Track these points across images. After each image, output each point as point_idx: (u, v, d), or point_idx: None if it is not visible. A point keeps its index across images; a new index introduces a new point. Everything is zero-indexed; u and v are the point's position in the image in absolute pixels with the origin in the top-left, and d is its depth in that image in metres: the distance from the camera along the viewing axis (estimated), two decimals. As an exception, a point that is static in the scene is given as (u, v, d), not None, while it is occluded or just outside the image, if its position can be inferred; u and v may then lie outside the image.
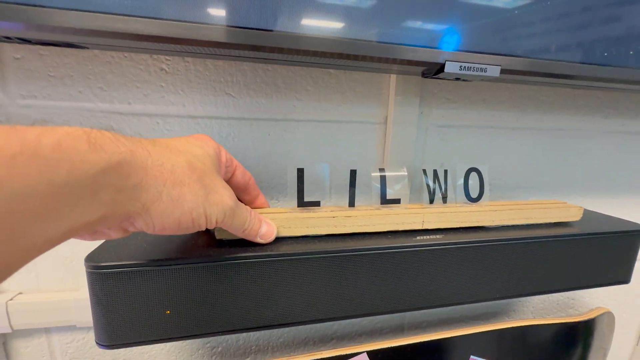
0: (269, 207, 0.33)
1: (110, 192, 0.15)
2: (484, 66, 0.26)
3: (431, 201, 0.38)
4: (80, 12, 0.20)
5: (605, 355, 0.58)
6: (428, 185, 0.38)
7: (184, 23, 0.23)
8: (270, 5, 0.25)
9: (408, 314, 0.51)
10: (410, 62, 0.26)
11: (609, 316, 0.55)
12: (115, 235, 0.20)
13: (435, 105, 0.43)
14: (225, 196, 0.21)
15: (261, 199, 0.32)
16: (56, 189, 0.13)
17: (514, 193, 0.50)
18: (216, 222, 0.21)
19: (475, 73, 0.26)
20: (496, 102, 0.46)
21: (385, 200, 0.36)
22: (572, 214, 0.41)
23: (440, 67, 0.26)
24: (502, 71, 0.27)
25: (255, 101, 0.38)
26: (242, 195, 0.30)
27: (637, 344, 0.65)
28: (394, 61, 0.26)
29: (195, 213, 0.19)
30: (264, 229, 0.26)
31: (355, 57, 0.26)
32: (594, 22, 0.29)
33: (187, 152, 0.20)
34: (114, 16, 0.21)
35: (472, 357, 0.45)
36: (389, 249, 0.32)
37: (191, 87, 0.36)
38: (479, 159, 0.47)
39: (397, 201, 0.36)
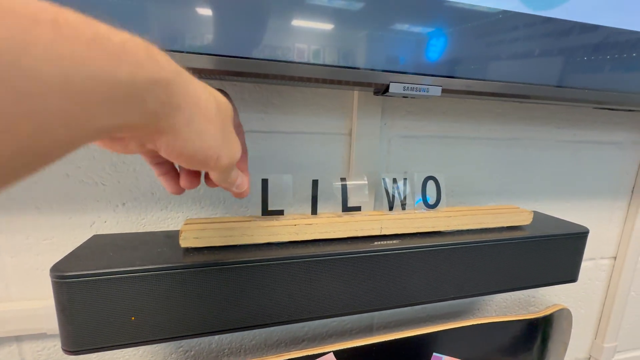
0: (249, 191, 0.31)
1: (156, 103, 0.17)
2: (425, 86, 0.29)
3: (390, 208, 0.40)
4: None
5: (565, 348, 0.61)
6: (387, 193, 0.40)
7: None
8: (236, 37, 0.27)
9: (377, 315, 0.53)
10: (360, 84, 0.28)
11: (566, 312, 0.58)
12: (133, 148, 0.21)
13: (397, 117, 0.46)
14: (237, 147, 0.23)
15: (247, 175, 0.30)
16: (118, 84, 0.14)
17: (473, 199, 0.53)
18: (220, 167, 0.22)
19: (418, 93, 0.29)
20: (455, 114, 0.49)
21: (346, 208, 0.38)
22: (522, 218, 0.44)
23: (386, 88, 0.28)
24: (444, 91, 0.30)
25: (224, 114, 0.39)
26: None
27: (595, 338, 0.69)
28: (345, 83, 0.28)
29: (210, 151, 0.21)
30: (239, 181, 0.27)
31: (309, 80, 0.28)
32: (525, 46, 0.33)
33: (216, 95, 0.21)
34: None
35: (434, 354, 0.48)
36: (347, 254, 0.34)
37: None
38: (440, 167, 0.50)
39: (357, 208, 0.39)
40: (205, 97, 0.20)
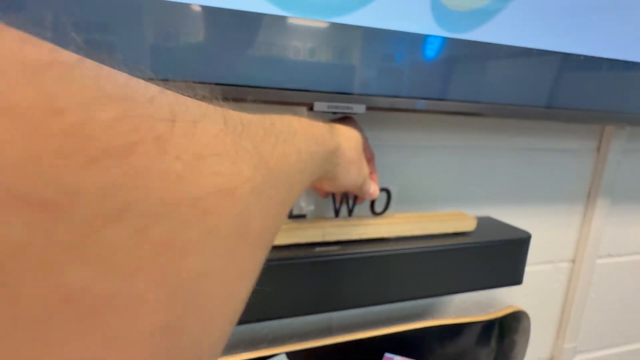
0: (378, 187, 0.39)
1: (328, 165, 0.24)
2: (349, 105, 0.31)
3: (337, 215, 0.42)
4: None
5: (525, 349, 0.64)
6: (334, 201, 0.42)
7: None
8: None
9: (335, 316, 0.55)
10: (286, 103, 0.30)
11: (521, 314, 0.61)
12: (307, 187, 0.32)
13: (349, 127, 0.48)
14: (366, 169, 0.32)
15: (375, 176, 0.40)
16: (317, 161, 0.21)
17: (428, 205, 0.55)
18: (358, 186, 0.32)
19: (343, 110, 0.31)
20: (407, 124, 0.51)
21: (291, 216, 0.40)
22: (466, 225, 0.46)
23: (311, 106, 0.30)
24: (369, 108, 0.32)
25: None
26: None
27: (557, 339, 0.72)
28: (272, 102, 0.30)
29: (354, 181, 0.30)
30: (372, 189, 0.36)
31: (243, 100, 0.30)
32: (444, 66, 0.35)
33: (353, 137, 0.29)
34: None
35: (386, 354, 0.50)
36: (287, 260, 0.36)
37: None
38: (394, 175, 0.52)
39: (303, 216, 0.41)
40: (349, 147, 0.27)
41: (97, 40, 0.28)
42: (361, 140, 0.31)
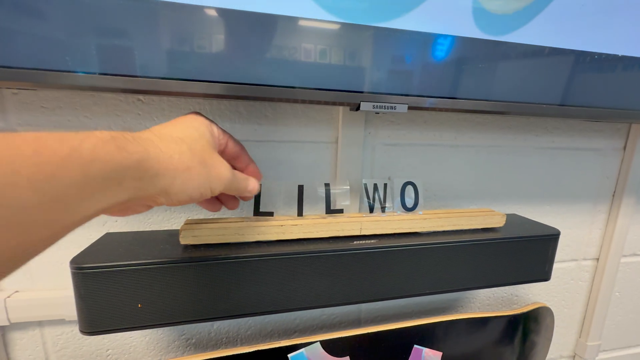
0: (262, 176, 0.37)
1: (132, 181, 0.20)
2: (393, 104, 0.33)
3: (371, 211, 0.44)
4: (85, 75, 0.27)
5: (548, 345, 0.64)
6: (368, 197, 0.44)
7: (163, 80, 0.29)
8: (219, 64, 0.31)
9: (364, 309, 0.57)
10: (334, 103, 0.32)
11: (546, 310, 0.61)
12: (141, 210, 0.25)
13: (381, 126, 0.50)
14: (223, 170, 0.26)
15: (252, 167, 0.35)
16: (91, 181, 0.18)
17: (455, 202, 0.56)
18: (218, 191, 0.27)
19: (386, 110, 0.33)
20: (436, 123, 0.52)
21: (329, 211, 0.42)
22: (495, 221, 0.47)
23: (358, 106, 0.32)
24: (410, 108, 0.34)
25: (221, 125, 0.44)
26: (234, 162, 0.34)
27: (579, 337, 0.72)
28: (324, 102, 0.32)
29: (202, 189, 0.25)
30: (250, 186, 0.31)
31: (295, 100, 0.32)
32: (481, 67, 0.36)
33: (187, 137, 0.24)
34: (93, 76, 0.27)
35: (415, 346, 0.51)
36: (328, 252, 0.38)
37: (164, 115, 0.42)
38: (423, 173, 0.54)
39: (340, 211, 0.43)
40: (177, 151, 0.23)
41: (122, 42, 0.31)
42: (207, 137, 0.26)
